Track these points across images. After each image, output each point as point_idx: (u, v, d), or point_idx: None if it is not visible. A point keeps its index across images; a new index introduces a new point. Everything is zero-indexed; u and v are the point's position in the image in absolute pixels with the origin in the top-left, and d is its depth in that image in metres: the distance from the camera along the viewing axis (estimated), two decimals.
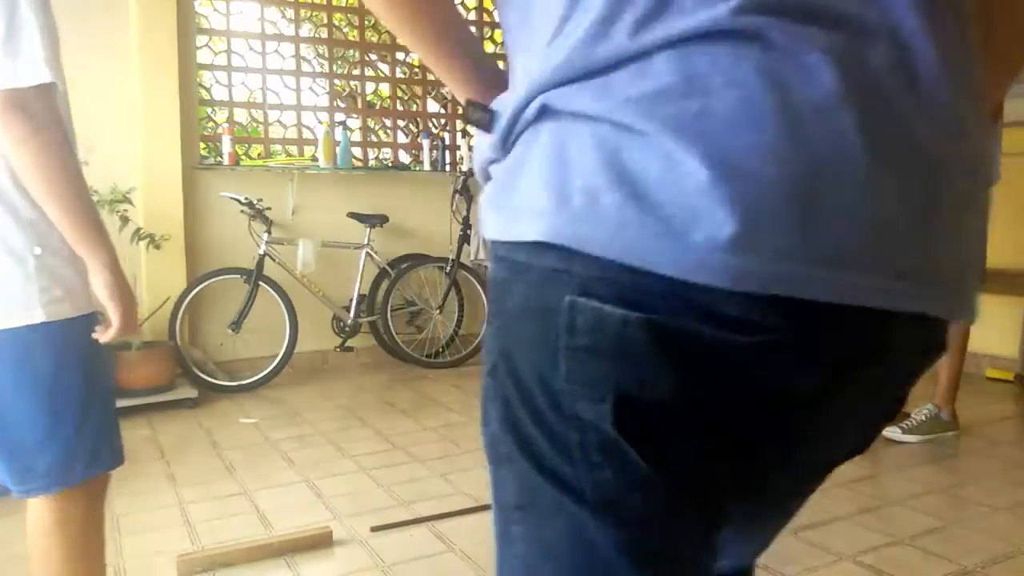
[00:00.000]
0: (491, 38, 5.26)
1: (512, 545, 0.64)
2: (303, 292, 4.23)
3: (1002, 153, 3.93)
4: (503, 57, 0.70)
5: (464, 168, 4.84)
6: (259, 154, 4.76)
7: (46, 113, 1.13)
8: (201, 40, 4.35)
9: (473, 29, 5.20)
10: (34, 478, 1.27)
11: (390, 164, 4.94)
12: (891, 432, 3.01)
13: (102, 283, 1.21)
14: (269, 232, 4.09)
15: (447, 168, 4.94)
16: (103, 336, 1.27)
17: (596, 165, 0.53)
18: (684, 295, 0.51)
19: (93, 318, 1.29)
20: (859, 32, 0.53)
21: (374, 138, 5.07)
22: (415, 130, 5.10)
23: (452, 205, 4.77)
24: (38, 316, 1.21)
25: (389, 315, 4.40)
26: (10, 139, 1.12)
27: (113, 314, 1.24)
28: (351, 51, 4.86)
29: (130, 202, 3.68)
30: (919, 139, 0.54)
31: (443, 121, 5.17)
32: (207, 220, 4.25)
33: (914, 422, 3.02)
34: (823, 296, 0.51)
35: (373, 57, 5.04)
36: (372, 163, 4.91)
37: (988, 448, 2.91)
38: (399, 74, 5.09)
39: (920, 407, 3.06)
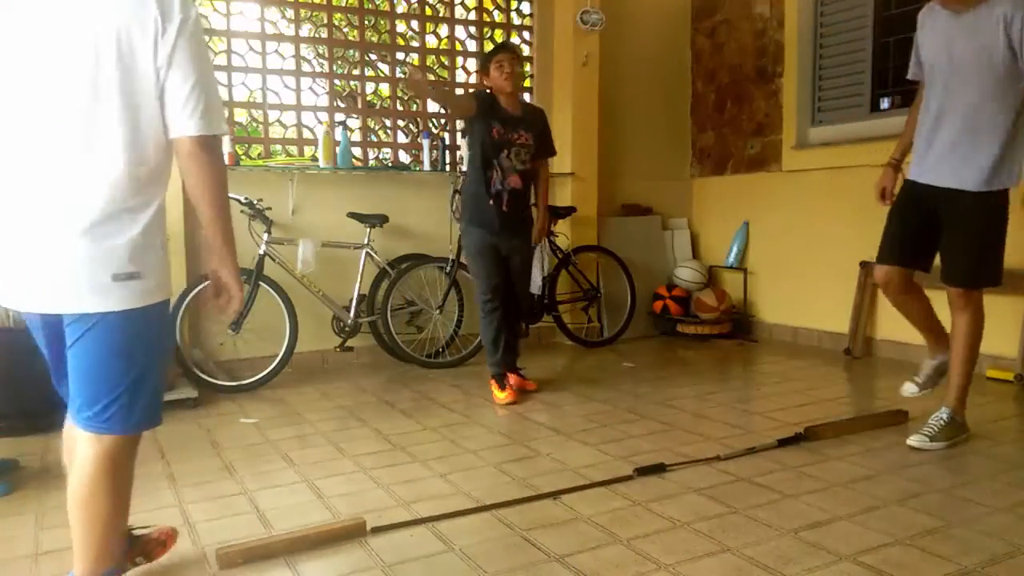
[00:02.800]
0: (491, 38, 5.26)
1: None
2: (303, 292, 4.23)
3: None
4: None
5: (464, 168, 4.83)
6: (259, 154, 4.76)
7: (220, 151, 1.79)
8: None
9: (473, 29, 5.20)
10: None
11: (390, 164, 4.94)
12: (918, 441, 2.87)
13: (229, 271, 1.76)
14: (269, 232, 4.09)
15: (447, 168, 4.95)
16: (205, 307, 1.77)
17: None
18: None
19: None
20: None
21: (374, 138, 5.07)
22: (415, 130, 5.10)
23: (452, 205, 4.77)
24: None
25: (389, 315, 4.40)
26: (200, 169, 1.77)
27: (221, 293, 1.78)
28: (351, 51, 4.85)
29: None
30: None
31: (443, 121, 5.17)
32: None
33: (935, 429, 2.88)
34: None
35: (373, 57, 5.04)
36: (372, 163, 4.91)
37: (988, 448, 2.90)
38: (399, 74, 5.08)
39: (936, 413, 2.94)
